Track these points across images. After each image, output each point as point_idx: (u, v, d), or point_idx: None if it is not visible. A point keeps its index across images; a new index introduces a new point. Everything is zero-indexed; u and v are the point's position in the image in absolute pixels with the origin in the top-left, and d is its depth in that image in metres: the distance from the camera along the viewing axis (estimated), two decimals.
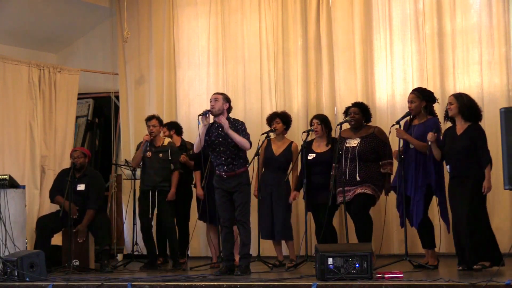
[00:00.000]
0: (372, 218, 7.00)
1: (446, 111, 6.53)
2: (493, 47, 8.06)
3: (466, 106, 6.35)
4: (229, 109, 6.72)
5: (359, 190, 6.84)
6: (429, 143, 6.45)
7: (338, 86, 8.78)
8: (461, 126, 6.39)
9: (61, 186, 7.92)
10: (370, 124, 7.20)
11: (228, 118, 6.68)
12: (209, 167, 7.40)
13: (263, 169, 7.68)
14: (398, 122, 6.81)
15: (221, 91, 7.62)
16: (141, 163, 8.00)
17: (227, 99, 6.71)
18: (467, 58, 8.21)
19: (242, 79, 9.34)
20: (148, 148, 7.88)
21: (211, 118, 6.69)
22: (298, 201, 7.81)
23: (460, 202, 6.24)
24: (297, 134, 8.08)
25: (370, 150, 6.94)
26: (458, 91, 8.09)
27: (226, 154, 6.62)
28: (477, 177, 6.23)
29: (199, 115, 6.58)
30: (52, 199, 8.07)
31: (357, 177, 6.87)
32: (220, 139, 6.63)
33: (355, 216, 6.91)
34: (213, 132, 6.68)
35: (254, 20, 9.33)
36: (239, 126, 6.69)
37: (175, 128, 8.54)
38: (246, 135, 6.67)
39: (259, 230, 7.45)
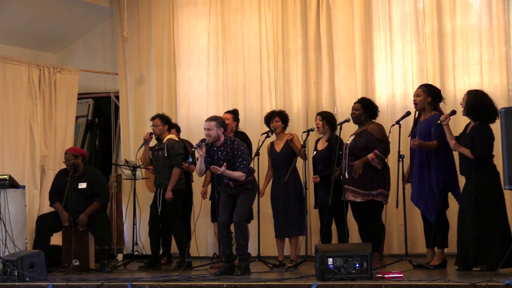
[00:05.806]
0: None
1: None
2: (493, 47, 8.05)
3: (471, 104, 6.24)
4: (225, 131, 6.77)
5: (370, 197, 6.83)
6: (443, 123, 6.31)
7: (338, 86, 8.78)
8: (470, 125, 6.33)
9: (60, 188, 7.94)
10: (374, 120, 7.19)
11: (226, 139, 6.71)
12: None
13: (274, 173, 7.65)
14: (398, 122, 6.81)
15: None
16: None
17: (221, 124, 6.69)
18: (467, 58, 8.20)
19: (242, 79, 9.34)
20: (156, 147, 7.93)
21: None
22: None
23: (465, 203, 6.22)
24: (297, 133, 8.05)
25: (361, 147, 6.92)
26: (458, 91, 8.11)
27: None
28: (480, 178, 6.17)
29: (194, 148, 6.71)
30: (52, 204, 8.08)
31: (346, 175, 6.89)
32: (221, 162, 6.67)
33: (371, 224, 6.92)
34: (214, 152, 6.74)
35: (254, 20, 9.33)
36: (235, 152, 6.66)
37: (175, 127, 8.56)
38: (243, 162, 6.65)
39: (259, 230, 7.46)
